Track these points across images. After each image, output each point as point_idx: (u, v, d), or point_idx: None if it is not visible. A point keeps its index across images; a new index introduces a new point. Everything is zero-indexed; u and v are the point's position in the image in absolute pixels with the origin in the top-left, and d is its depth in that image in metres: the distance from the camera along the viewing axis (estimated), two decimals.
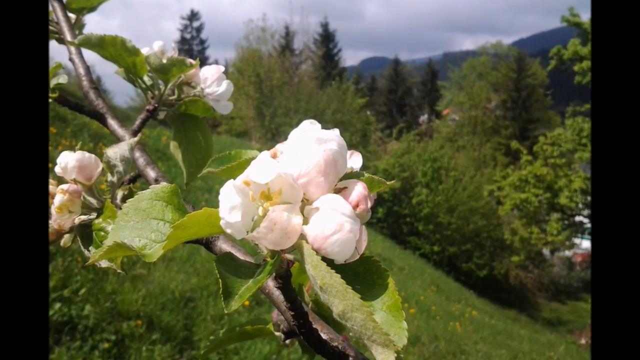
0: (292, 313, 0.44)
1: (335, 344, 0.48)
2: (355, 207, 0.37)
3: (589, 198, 12.12)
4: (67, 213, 0.57)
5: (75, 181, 0.59)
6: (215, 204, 0.36)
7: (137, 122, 0.81)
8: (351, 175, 0.41)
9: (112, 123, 0.81)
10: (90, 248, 0.58)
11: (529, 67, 24.24)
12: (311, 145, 0.37)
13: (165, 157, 6.28)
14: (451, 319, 6.46)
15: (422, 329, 5.15)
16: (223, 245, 0.55)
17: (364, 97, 20.32)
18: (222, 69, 0.80)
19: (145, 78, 0.81)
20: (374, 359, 0.35)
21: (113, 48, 0.75)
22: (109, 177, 0.63)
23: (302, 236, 0.36)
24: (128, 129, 0.80)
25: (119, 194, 0.64)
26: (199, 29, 36.14)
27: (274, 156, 0.39)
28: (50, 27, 0.91)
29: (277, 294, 0.51)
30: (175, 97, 0.82)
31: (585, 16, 12.33)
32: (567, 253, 17.24)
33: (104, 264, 0.55)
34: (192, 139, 0.84)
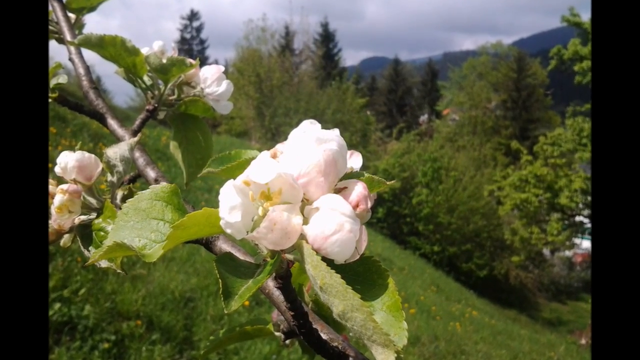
0: (292, 313, 0.44)
1: (335, 344, 0.48)
2: (355, 207, 0.37)
3: (589, 198, 12.11)
4: (67, 213, 0.57)
5: (75, 181, 0.59)
6: (215, 204, 0.36)
7: (137, 122, 0.81)
8: (351, 175, 0.41)
9: (112, 123, 0.81)
10: (90, 248, 0.58)
11: (529, 67, 24.22)
12: (311, 145, 0.37)
13: (165, 157, 6.28)
14: (451, 319, 6.46)
15: (422, 329, 5.15)
16: (223, 245, 0.55)
17: (364, 97, 20.30)
18: (222, 68, 0.80)
19: (145, 78, 0.81)
20: (374, 359, 0.35)
21: (113, 48, 0.75)
22: (109, 177, 0.63)
23: (302, 236, 0.36)
24: (128, 129, 0.80)
25: (119, 194, 0.64)
26: (198, 29, 36.15)
27: (274, 156, 0.39)
28: (50, 27, 0.91)
29: (277, 294, 0.51)
30: (175, 97, 0.82)
31: (586, 16, 12.32)
32: (567, 253, 17.22)
33: (103, 264, 0.55)
34: (192, 139, 0.84)
